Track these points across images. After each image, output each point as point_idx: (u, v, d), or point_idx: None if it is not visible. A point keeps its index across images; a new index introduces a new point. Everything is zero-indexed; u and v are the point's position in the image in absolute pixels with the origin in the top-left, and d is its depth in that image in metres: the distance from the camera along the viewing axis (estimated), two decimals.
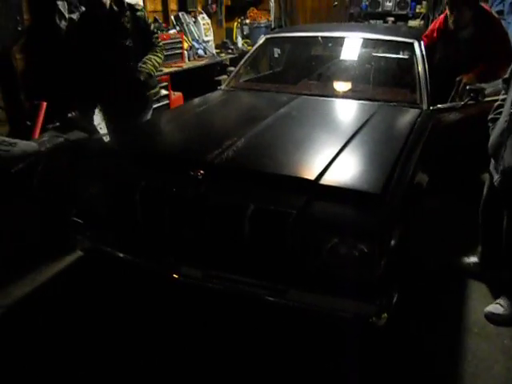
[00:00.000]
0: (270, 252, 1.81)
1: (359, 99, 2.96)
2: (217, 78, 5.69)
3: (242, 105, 3.10)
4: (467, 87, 2.89)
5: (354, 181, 1.86)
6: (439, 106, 2.92)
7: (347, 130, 2.41)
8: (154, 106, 4.27)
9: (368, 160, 2.08)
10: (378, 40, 3.41)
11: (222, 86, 3.62)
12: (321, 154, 2.11)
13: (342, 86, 3.23)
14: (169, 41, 4.77)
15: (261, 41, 3.80)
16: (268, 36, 3.83)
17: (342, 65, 3.43)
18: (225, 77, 6.05)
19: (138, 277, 2.17)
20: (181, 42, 5.09)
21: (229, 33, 6.82)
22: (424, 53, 3.16)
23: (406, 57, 3.35)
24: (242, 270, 1.87)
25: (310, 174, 1.90)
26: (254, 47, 3.83)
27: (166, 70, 4.60)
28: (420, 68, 3.09)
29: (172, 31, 5.20)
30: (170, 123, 2.77)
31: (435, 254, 2.78)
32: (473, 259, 2.70)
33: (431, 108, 2.88)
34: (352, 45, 3.45)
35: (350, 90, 3.14)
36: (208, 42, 5.99)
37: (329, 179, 1.87)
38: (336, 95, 3.10)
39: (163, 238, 2.00)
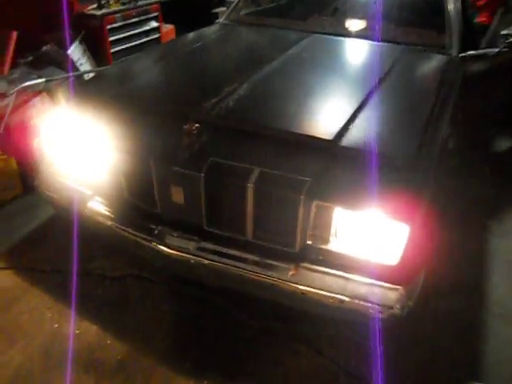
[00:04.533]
0: (276, 225, 1.53)
1: (379, 40, 2.55)
2: (214, 11, 5.11)
3: (244, 43, 2.66)
4: (501, 32, 2.50)
5: (382, 143, 1.53)
6: (470, 52, 2.52)
7: (368, 78, 2.04)
8: (143, 40, 3.82)
9: (395, 118, 1.74)
10: None
11: (221, 20, 3.15)
12: (339, 107, 1.76)
13: (358, 24, 2.76)
14: None
15: None
16: None
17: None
18: (223, 9, 5.52)
19: (122, 247, 1.89)
20: None
21: None
22: None
23: None
24: (242, 245, 1.59)
25: (327, 132, 1.57)
26: None
27: None
28: (451, 4, 2.66)
29: None
30: (158, 62, 2.35)
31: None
32: None
33: (461, 55, 2.48)
34: None
35: (368, 28, 2.68)
36: None
37: (350, 140, 1.55)
38: (352, 34, 2.65)
39: (150, 204, 1.70)
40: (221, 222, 1.60)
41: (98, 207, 1.83)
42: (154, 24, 3.87)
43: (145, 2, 3.71)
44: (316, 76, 2.05)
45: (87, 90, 2.08)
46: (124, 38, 3.61)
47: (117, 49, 3.54)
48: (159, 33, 4.00)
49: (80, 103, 1.89)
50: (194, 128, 1.57)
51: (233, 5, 3.20)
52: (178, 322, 1.87)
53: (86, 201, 1.85)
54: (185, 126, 1.57)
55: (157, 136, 1.64)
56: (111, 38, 3.46)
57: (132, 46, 3.69)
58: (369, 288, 1.48)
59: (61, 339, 1.76)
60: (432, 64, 2.36)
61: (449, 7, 2.65)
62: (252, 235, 1.57)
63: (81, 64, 3.13)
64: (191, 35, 2.81)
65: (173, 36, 4.21)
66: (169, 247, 1.63)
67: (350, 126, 1.62)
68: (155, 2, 3.90)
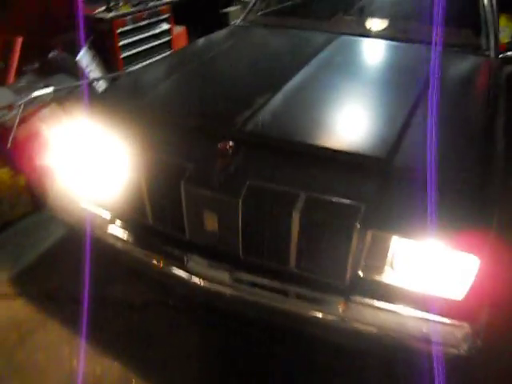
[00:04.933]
0: (324, 255, 1.35)
1: (410, 41, 2.37)
2: (223, 11, 4.93)
3: (268, 47, 2.46)
4: None
5: (441, 161, 1.35)
6: (509, 53, 2.35)
7: (410, 84, 1.87)
8: (154, 43, 3.64)
9: (450, 130, 1.56)
10: None
11: (237, 21, 2.97)
12: (386, 119, 1.59)
13: (387, 24, 2.57)
14: None
15: None
16: None
17: None
18: (233, 8, 5.34)
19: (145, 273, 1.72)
20: None
21: None
22: None
23: None
24: (283, 276, 1.42)
25: (379, 150, 1.40)
26: None
27: None
28: (487, 1, 2.48)
29: None
30: (178, 70, 2.12)
31: None
32: None
33: (500, 56, 2.31)
34: None
35: (397, 29, 2.49)
36: None
37: (404, 158, 1.38)
38: (382, 36, 2.46)
39: (178, 230, 1.53)
40: (260, 251, 1.43)
41: (120, 232, 1.67)
42: (165, 26, 3.68)
43: (155, 4, 3.52)
44: (353, 83, 1.88)
45: (104, 101, 1.91)
46: (134, 41, 3.43)
47: (127, 54, 3.36)
48: (170, 35, 3.81)
49: (97, 115, 1.72)
50: (228, 147, 1.40)
51: (250, 5, 3.02)
52: (209, 358, 1.71)
53: (106, 225, 1.69)
54: (219, 145, 1.40)
55: (187, 155, 1.47)
56: (121, 43, 3.28)
57: (143, 51, 3.51)
58: (430, 325, 1.31)
59: (81, 379, 1.60)
60: (473, 67, 2.19)
61: (485, 4, 2.47)
62: (295, 265, 1.39)
63: (90, 71, 2.96)
64: (208, 39, 2.63)
65: (184, 38, 4.02)
66: (202, 278, 1.47)
67: (403, 142, 1.44)
68: (166, 3, 3.71)
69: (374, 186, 1.30)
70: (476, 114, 1.69)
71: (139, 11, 3.38)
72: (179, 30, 4.02)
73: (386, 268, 1.34)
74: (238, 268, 1.46)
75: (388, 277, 1.34)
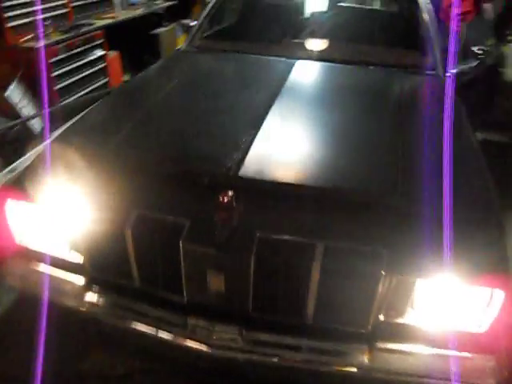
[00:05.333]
0: (345, 304, 1.26)
1: (367, 64, 2.39)
2: (154, 32, 4.73)
3: (228, 75, 2.35)
4: (472, 48, 2.50)
5: (454, 192, 1.32)
6: (452, 71, 2.47)
7: (385, 109, 1.88)
8: (89, 71, 3.35)
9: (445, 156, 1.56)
10: None
11: (183, 46, 2.82)
12: (380, 151, 1.55)
13: (341, 48, 2.59)
14: None
15: None
16: None
17: (332, 17, 2.77)
18: (163, 29, 5.15)
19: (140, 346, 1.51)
20: None
21: None
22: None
23: (408, 9, 2.82)
24: (299, 331, 1.31)
25: (385, 186, 1.35)
26: None
27: (99, 23, 3.55)
28: (429, 23, 2.60)
29: None
30: (139, 109, 1.85)
31: None
32: None
33: (447, 74, 2.42)
34: None
35: (352, 52, 2.51)
36: None
37: (412, 192, 1.34)
38: (339, 59, 2.44)
39: (172, 292, 1.36)
40: (273, 307, 1.30)
41: (98, 299, 1.44)
42: (99, 52, 3.40)
43: (88, 29, 3.24)
44: (332, 112, 1.82)
45: (63, 147, 1.65)
46: (69, 71, 3.12)
47: (62, 85, 3.04)
48: (104, 62, 3.53)
49: (57, 166, 1.48)
50: (229, 198, 1.26)
51: (195, 29, 2.88)
52: None
53: (82, 293, 1.46)
54: (220, 197, 1.26)
55: (181, 210, 1.30)
56: (55, 73, 2.96)
57: (78, 80, 3.21)
58: (456, 361, 1.28)
59: None
60: (430, 87, 2.26)
61: (427, 26, 2.58)
62: (313, 318, 1.29)
63: (21, 107, 2.62)
64: (158, 69, 2.44)
65: (118, 64, 3.76)
66: (209, 344, 1.31)
67: (404, 175, 1.41)
68: (97, 28, 3.43)
69: (389, 227, 1.24)
70: (464, 136, 1.71)
71: (71, 38, 3.09)
72: (112, 55, 3.76)
73: (408, 309, 1.28)
74: (248, 328, 1.32)
75: (410, 318, 1.29)
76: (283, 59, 2.41)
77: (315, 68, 2.31)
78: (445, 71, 2.43)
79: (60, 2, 3.13)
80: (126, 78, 4.27)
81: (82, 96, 3.11)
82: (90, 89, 3.30)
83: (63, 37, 3.03)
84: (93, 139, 1.65)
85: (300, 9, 2.80)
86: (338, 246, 1.21)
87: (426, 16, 2.60)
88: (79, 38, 3.17)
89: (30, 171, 1.56)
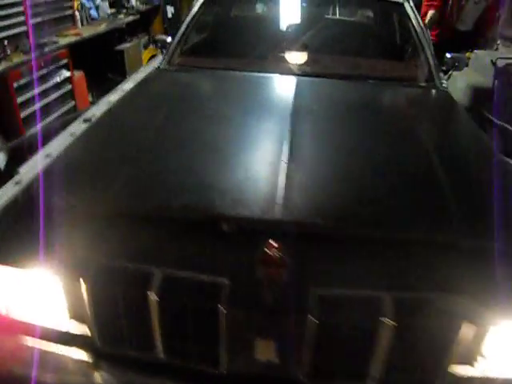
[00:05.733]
0: (419, 358, 1.08)
1: (366, 79, 2.27)
2: (118, 48, 4.45)
3: (225, 96, 2.08)
4: (448, 55, 2.48)
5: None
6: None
7: (410, 128, 1.76)
8: (55, 95, 3.03)
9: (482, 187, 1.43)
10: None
11: (161, 64, 2.58)
12: (426, 182, 1.40)
13: (337, 62, 2.45)
14: None
15: None
16: None
17: (322, 31, 2.62)
18: (128, 45, 4.86)
19: None
20: (70, 0, 3.68)
21: None
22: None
23: (398, 20, 2.74)
24: None
25: (448, 223, 1.20)
26: (194, 6, 2.80)
27: (63, 41, 3.21)
28: (421, 33, 2.53)
29: None
30: (131, 144, 1.57)
31: None
32: None
33: (444, 84, 2.35)
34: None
35: (350, 66, 2.39)
36: None
37: (475, 228, 1.20)
38: (338, 75, 2.30)
39: (207, 363, 1.13)
40: (331, 372, 1.11)
41: (115, 381, 1.19)
42: (65, 74, 3.08)
43: (52, 48, 2.93)
44: (357, 135, 1.66)
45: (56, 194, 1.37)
46: (34, 96, 2.78)
47: (27, 112, 2.70)
48: (71, 83, 3.21)
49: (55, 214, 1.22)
50: (274, 248, 1.06)
51: (173, 46, 2.66)
52: None
53: (90, 372, 1.20)
54: (264, 249, 1.05)
55: (215, 265, 1.08)
56: (19, 100, 2.63)
57: (44, 106, 2.87)
58: None
59: None
60: (439, 101, 2.18)
61: (420, 36, 2.50)
62: (379, 377, 1.11)
63: None
64: (140, 94, 2.13)
65: (84, 85, 3.44)
66: None
67: (465, 209, 1.25)
68: (62, 47, 3.11)
69: (464, 271, 1.08)
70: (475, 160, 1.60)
71: (35, 59, 2.75)
72: (77, 75, 3.44)
73: (479, 359, 1.13)
74: None
75: (481, 369, 1.14)
76: (278, 75, 2.26)
77: (317, 85, 2.15)
78: (441, 82, 2.38)
79: (18, 20, 2.80)
80: (90, 98, 3.97)
81: (49, 123, 2.78)
82: (57, 114, 2.98)
83: (25, 58, 2.69)
84: (87, 184, 1.36)
85: (287, 22, 2.63)
86: (412, 297, 1.04)
87: (418, 27, 2.54)
88: (44, 59, 2.84)
89: (10, 228, 1.27)
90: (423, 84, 2.31)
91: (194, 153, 1.50)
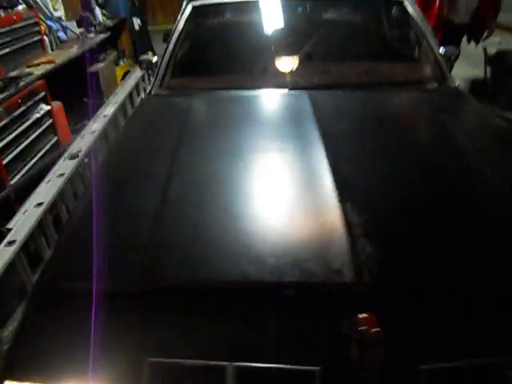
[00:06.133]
0: None
1: (381, 85, 2.13)
2: (92, 70, 4.16)
3: (238, 124, 1.83)
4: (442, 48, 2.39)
5: None
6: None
7: (447, 139, 1.62)
8: (35, 133, 2.75)
9: None
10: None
11: (152, 89, 2.35)
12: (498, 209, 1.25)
13: (344, 69, 2.28)
14: (21, 23, 3.04)
15: (186, 11, 2.57)
16: (196, 3, 2.58)
17: (323, 34, 2.41)
18: (102, 65, 4.55)
19: None
20: (37, 24, 3.38)
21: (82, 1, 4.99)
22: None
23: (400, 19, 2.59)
24: None
25: None
26: (179, 22, 2.58)
27: (37, 71, 2.89)
28: (428, 33, 2.39)
29: (20, 7, 3.32)
30: (152, 197, 1.32)
31: None
32: None
33: (456, 84, 2.24)
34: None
35: (361, 73, 2.22)
36: (60, 18, 4.27)
37: None
38: (347, 84, 2.13)
39: None
40: None
41: None
42: (44, 108, 2.78)
43: (28, 81, 2.63)
44: (401, 154, 1.51)
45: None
46: (14, 138, 2.49)
47: (10, 158, 2.41)
48: (51, 117, 2.91)
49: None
50: (367, 321, 0.89)
51: (162, 68, 2.43)
52: None
53: None
54: (355, 324, 0.88)
55: (300, 351, 0.90)
56: None
57: (26, 147, 2.58)
58: None
59: None
60: (465, 105, 2.05)
61: (427, 36, 2.36)
62: None
63: None
64: (139, 128, 1.92)
65: (63, 117, 3.14)
66: None
67: None
68: (37, 78, 2.82)
69: None
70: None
71: (11, 96, 2.46)
72: (56, 107, 3.12)
73: None
74: None
75: None
76: (286, 91, 2.07)
77: (333, 98, 1.98)
78: (453, 80, 2.26)
79: None
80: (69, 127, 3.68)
81: (32, 167, 2.48)
82: (40, 154, 2.69)
83: (0, 96, 2.41)
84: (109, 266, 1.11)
85: (286, 31, 2.42)
86: None
87: (423, 25, 2.40)
88: (20, 95, 2.54)
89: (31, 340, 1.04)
90: (436, 85, 2.18)
91: (230, 207, 1.27)
